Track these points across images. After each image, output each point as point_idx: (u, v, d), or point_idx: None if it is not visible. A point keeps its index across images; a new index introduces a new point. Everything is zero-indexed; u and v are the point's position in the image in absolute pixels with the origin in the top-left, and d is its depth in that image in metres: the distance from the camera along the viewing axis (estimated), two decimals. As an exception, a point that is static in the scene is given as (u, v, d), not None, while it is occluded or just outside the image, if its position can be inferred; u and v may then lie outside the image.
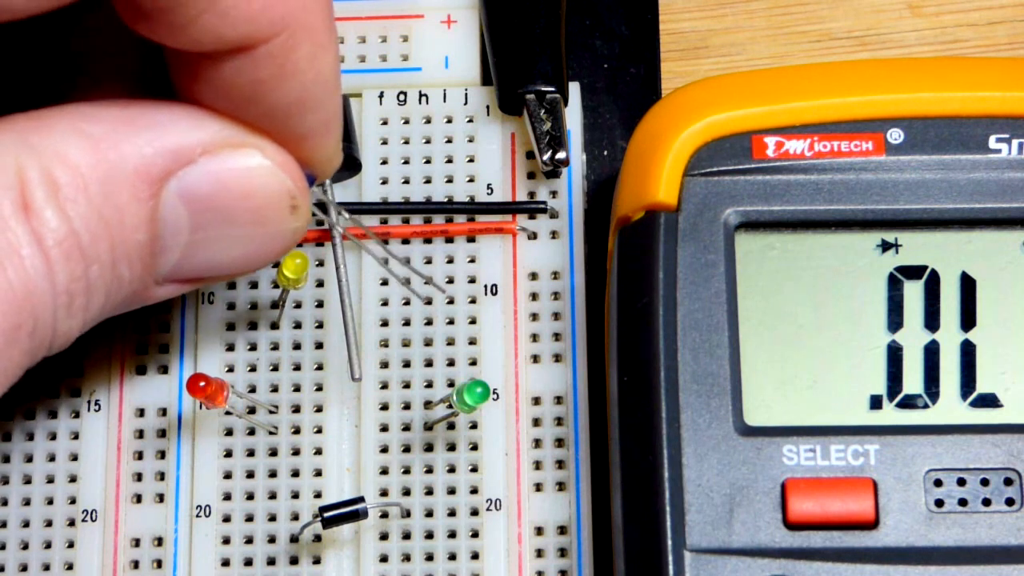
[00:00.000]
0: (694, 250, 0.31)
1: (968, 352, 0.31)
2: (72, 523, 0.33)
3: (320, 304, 0.34)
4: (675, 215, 0.31)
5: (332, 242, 0.33)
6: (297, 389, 0.34)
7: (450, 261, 0.34)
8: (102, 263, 0.25)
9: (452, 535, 0.33)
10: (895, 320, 0.31)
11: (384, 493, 0.33)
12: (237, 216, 0.27)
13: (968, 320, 0.31)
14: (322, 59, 0.27)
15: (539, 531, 0.33)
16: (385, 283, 0.34)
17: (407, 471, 0.33)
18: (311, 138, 0.28)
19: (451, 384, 0.33)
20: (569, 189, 0.35)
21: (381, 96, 0.35)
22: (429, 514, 0.33)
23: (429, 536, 0.33)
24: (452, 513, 0.33)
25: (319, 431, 0.33)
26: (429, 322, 0.34)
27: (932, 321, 0.31)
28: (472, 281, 0.34)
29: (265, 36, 0.26)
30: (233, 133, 0.27)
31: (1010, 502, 0.30)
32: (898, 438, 0.30)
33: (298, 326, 0.34)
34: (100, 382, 0.34)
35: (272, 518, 0.33)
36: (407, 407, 0.33)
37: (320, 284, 0.34)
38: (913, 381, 0.31)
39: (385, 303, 0.34)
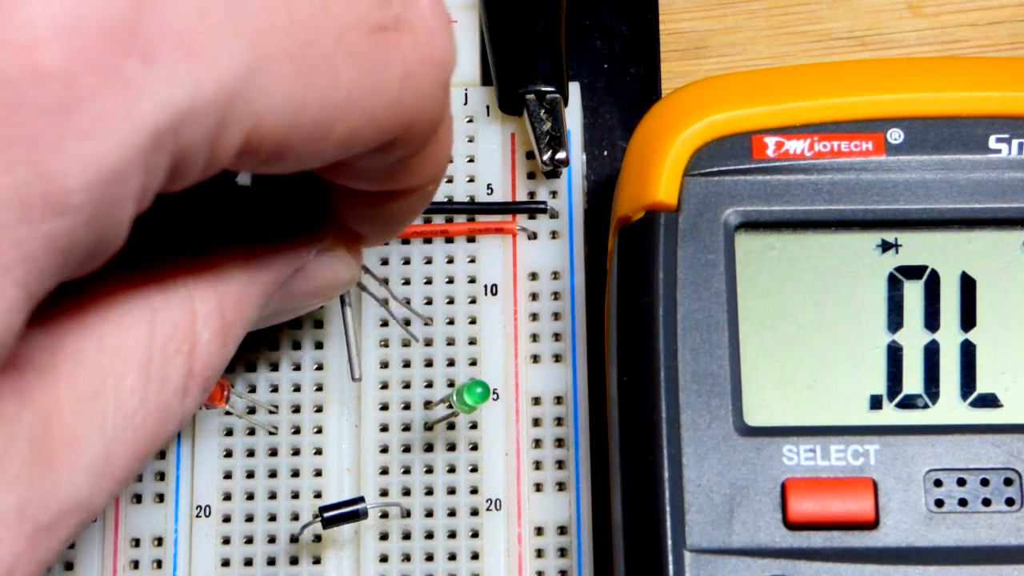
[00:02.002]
0: (694, 250, 0.31)
1: (968, 352, 0.31)
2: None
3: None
4: (675, 215, 0.31)
5: None
6: (297, 389, 0.34)
7: (450, 261, 0.34)
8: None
9: (452, 535, 0.33)
10: (895, 320, 0.31)
11: (384, 493, 0.33)
12: (300, 301, 0.29)
13: (968, 320, 0.31)
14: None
15: (539, 531, 0.33)
16: (385, 283, 0.34)
17: (407, 471, 0.33)
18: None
19: (451, 384, 0.33)
20: (569, 189, 0.35)
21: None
22: (429, 514, 0.33)
23: (429, 536, 0.33)
24: (452, 513, 0.33)
25: (319, 431, 0.33)
26: (429, 322, 0.34)
27: (932, 321, 0.31)
28: (472, 281, 0.34)
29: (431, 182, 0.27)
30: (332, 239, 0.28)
31: (1010, 502, 0.30)
32: (898, 438, 0.30)
33: (298, 326, 0.34)
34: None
35: (272, 518, 0.33)
36: (407, 407, 0.33)
37: (320, 284, 0.34)
38: (913, 381, 0.31)
39: (385, 303, 0.34)
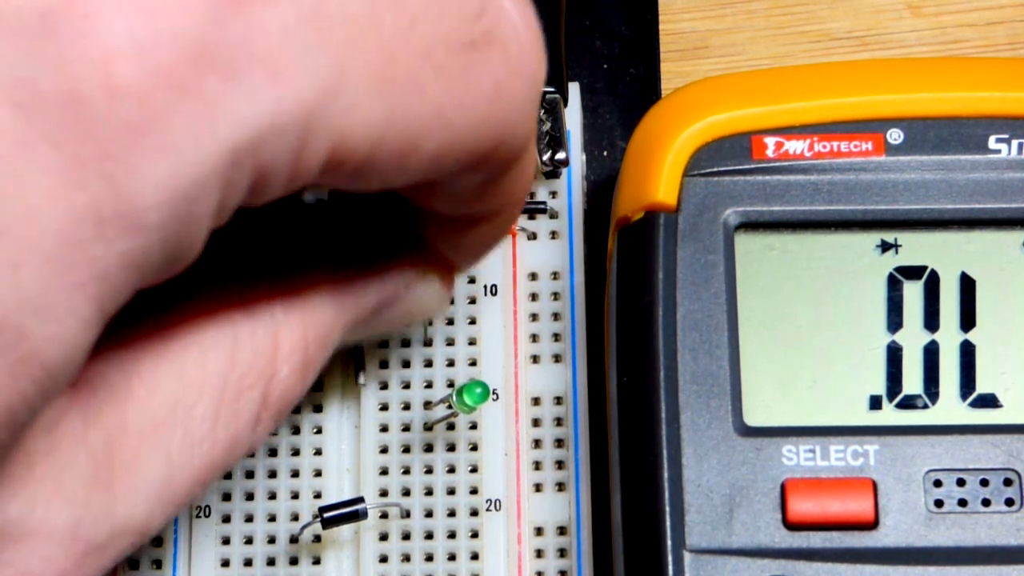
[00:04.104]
0: (694, 250, 0.31)
1: (968, 352, 0.31)
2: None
3: (320, 304, 0.34)
4: (675, 215, 0.31)
5: None
6: (297, 389, 0.34)
7: (450, 261, 0.34)
8: None
9: (452, 535, 0.33)
10: (895, 320, 0.31)
11: (384, 493, 0.33)
12: (383, 328, 0.29)
13: (968, 320, 0.31)
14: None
15: (539, 531, 0.33)
16: (385, 283, 0.34)
17: (407, 471, 0.33)
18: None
19: (451, 384, 0.33)
20: (569, 189, 0.35)
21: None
22: (429, 514, 0.33)
23: (429, 536, 0.33)
24: (452, 513, 0.33)
25: (319, 431, 0.33)
26: (429, 322, 0.34)
27: (932, 321, 0.31)
28: (472, 281, 0.34)
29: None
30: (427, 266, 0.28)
31: (1010, 502, 0.30)
32: (898, 438, 0.30)
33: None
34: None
35: (272, 518, 0.33)
36: (407, 407, 0.33)
37: (320, 284, 0.34)
38: (913, 381, 0.31)
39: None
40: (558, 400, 0.33)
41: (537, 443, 0.33)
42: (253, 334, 0.24)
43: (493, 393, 0.33)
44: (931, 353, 0.31)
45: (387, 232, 0.28)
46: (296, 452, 0.33)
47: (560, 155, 0.34)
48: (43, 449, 0.21)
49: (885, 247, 0.31)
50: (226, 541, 0.33)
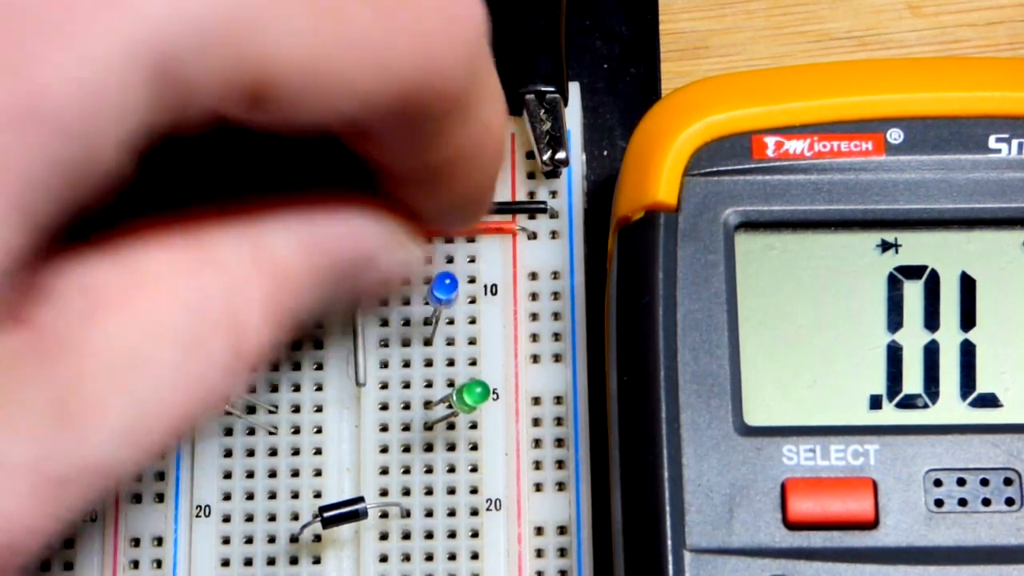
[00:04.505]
0: (694, 250, 0.31)
1: (968, 352, 0.31)
2: (72, 523, 0.33)
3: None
4: (675, 215, 0.31)
5: None
6: (297, 389, 0.34)
7: (450, 261, 0.34)
8: None
9: (452, 535, 0.33)
10: (895, 320, 0.31)
11: (384, 493, 0.33)
12: (358, 288, 0.28)
13: (968, 320, 0.31)
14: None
15: (539, 531, 0.33)
16: (385, 283, 0.34)
17: (407, 471, 0.33)
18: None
19: (451, 384, 0.33)
20: (569, 189, 0.35)
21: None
22: (429, 514, 0.33)
23: (429, 536, 0.33)
24: (452, 513, 0.33)
25: (319, 431, 0.33)
26: (429, 322, 0.34)
27: (932, 321, 0.31)
28: (472, 281, 0.34)
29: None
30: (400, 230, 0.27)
31: (1010, 502, 0.30)
32: (898, 438, 0.30)
33: (297, 326, 0.34)
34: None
35: (272, 518, 0.33)
36: (407, 407, 0.33)
37: (320, 284, 0.34)
38: (913, 381, 0.31)
39: (384, 303, 0.34)
40: (558, 400, 0.34)
41: (537, 443, 0.33)
42: (216, 281, 0.23)
43: (493, 393, 0.33)
44: (931, 353, 0.31)
45: (347, 184, 0.27)
46: (296, 452, 0.33)
47: (560, 155, 0.34)
48: None
49: (885, 247, 0.31)
50: (226, 541, 0.33)
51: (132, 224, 0.23)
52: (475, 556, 0.33)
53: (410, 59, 0.23)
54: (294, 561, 0.33)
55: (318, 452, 0.33)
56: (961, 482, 0.30)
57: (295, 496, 0.33)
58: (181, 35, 0.20)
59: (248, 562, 0.33)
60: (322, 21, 0.21)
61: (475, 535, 0.33)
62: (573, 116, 0.35)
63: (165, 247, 0.23)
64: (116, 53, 0.19)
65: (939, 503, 0.30)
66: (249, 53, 0.21)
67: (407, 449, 0.33)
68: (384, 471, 0.33)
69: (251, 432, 0.33)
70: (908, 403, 0.31)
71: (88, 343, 0.22)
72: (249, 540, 0.33)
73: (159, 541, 0.33)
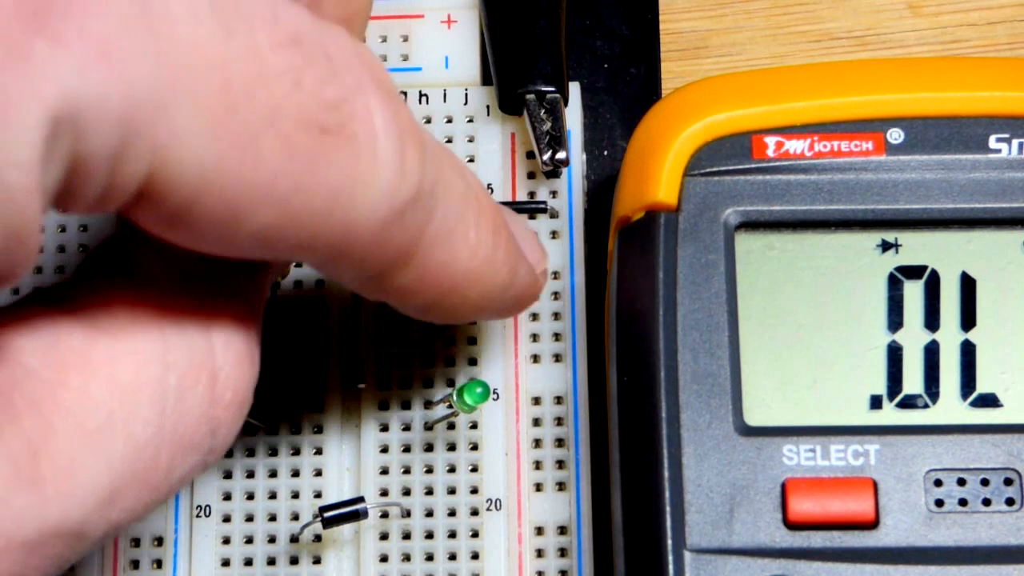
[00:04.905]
0: (694, 250, 0.31)
1: (968, 352, 0.31)
2: None
3: (320, 304, 0.34)
4: (675, 215, 0.31)
5: None
6: (297, 389, 0.34)
7: (450, 261, 0.34)
8: None
9: (452, 535, 0.33)
10: (895, 320, 0.31)
11: (384, 493, 0.33)
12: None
13: (968, 320, 0.31)
14: None
15: (539, 531, 0.33)
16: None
17: (407, 471, 0.33)
18: None
19: (451, 384, 0.33)
20: (569, 189, 0.35)
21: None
22: (429, 514, 0.33)
23: (429, 536, 0.33)
24: (452, 513, 0.33)
25: (319, 430, 0.33)
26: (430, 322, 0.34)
27: (932, 321, 0.31)
28: (472, 281, 0.34)
29: None
30: None
31: (1010, 502, 0.30)
32: (898, 438, 0.30)
33: (298, 326, 0.34)
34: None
35: (272, 518, 0.33)
36: (407, 407, 0.33)
37: (320, 284, 0.34)
38: (913, 381, 0.31)
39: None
40: (558, 400, 0.34)
41: (537, 443, 0.33)
42: (182, 332, 0.23)
43: (493, 393, 0.33)
44: (931, 353, 0.31)
45: None
46: (296, 451, 0.33)
47: (560, 155, 0.34)
48: None
49: (885, 247, 0.31)
50: (226, 540, 0.33)
51: (103, 284, 0.23)
52: (475, 556, 0.33)
53: (320, 218, 0.23)
54: (294, 561, 0.33)
55: (318, 451, 0.33)
56: (961, 482, 0.30)
57: (295, 496, 0.33)
58: (91, 106, 0.20)
59: (248, 562, 0.33)
60: (230, 149, 0.21)
61: (475, 535, 0.33)
62: (573, 116, 0.35)
63: (143, 324, 0.23)
64: (33, 118, 0.19)
65: (939, 503, 0.30)
66: (151, 151, 0.21)
67: (407, 449, 0.33)
68: (384, 471, 0.33)
69: (251, 432, 0.33)
70: (908, 403, 0.31)
71: (59, 403, 0.22)
72: (249, 540, 0.33)
73: (159, 541, 0.33)
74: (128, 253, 0.24)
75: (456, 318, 0.28)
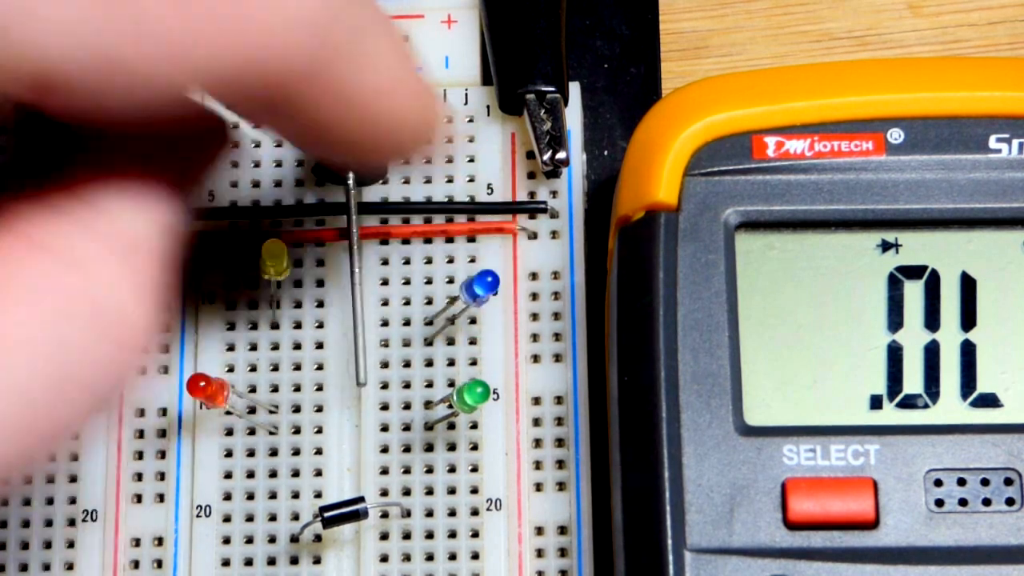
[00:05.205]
0: (694, 250, 0.31)
1: (968, 352, 0.31)
2: (72, 523, 0.33)
3: (320, 304, 0.34)
4: (675, 215, 0.31)
5: (350, 248, 0.33)
6: (297, 389, 0.34)
7: (450, 261, 0.34)
8: None
9: (452, 535, 0.33)
10: (895, 320, 0.31)
11: (384, 493, 0.33)
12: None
13: (968, 320, 0.31)
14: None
15: (539, 531, 0.33)
16: (385, 283, 0.34)
17: (407, 471, 0.33)
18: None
19: (451, 384, 0.33)
20: (569, 189, 0.35)
21: (381, 96, 0.35)
22: (429, 514, 0.33)
23: (429, 536, 0.33)
24: (452, 513, 0.33)
25: (319, 431, 0.33)
26: (430, 322, 0.34)
27: (932, 321, 0.31)
28: (472, 281, 0.34)
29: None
30: None
31: (1010, 502, 0.30)
32: (898, 438, 0.30)
33: (298, 326, 0.34)
34: (100, 382, 0.34)
35: (272, 518, 0.33)
36: (407, 407, 0.33)
37: (320, 284, 0.34)
38: (913, 381, 0.31)
39: (385, 303, 0.34)
40: (558, 400, 0.34)
41: (537, 442, 0.33)
42: (76, 283, 0.23)
43: (494, 393, 0.33)
44: (932, 353, 0.31)
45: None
46: (297, 451, 0.33)
47: (561, 155, 0.34)
48: None
49: (886, 247, 0.31)
50: (227, 540, 0.33)
51: None
52: (475, 556, 0.33)
53: (220, 50, 0.22)
54: (294, 561, 0.33)
55: (318, 452, 0.33)
56: (961, 482, 0.30)
57: (295, 496, 0.33)
58: None
59: (248, 562, 0.33)
60: (107, 16, 0.21)
61: (475, 535, 0.33)
62: (573, 116, 0.35)
63: (20, 252, 0.22)
64: None
65: (939, 503, 0.30)
66: (21, 47, 0.20)
67: (407, 449, 0.33)
68: (384, 471, 0.33)
69: (251, 432, 0.33)
70: (908, 403, 0.31)
71: None
72: (249, 540, 0.33)
73: (159, 541, 0.33)
74: None
75: (356, 147, 0.27)
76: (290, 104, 0.24)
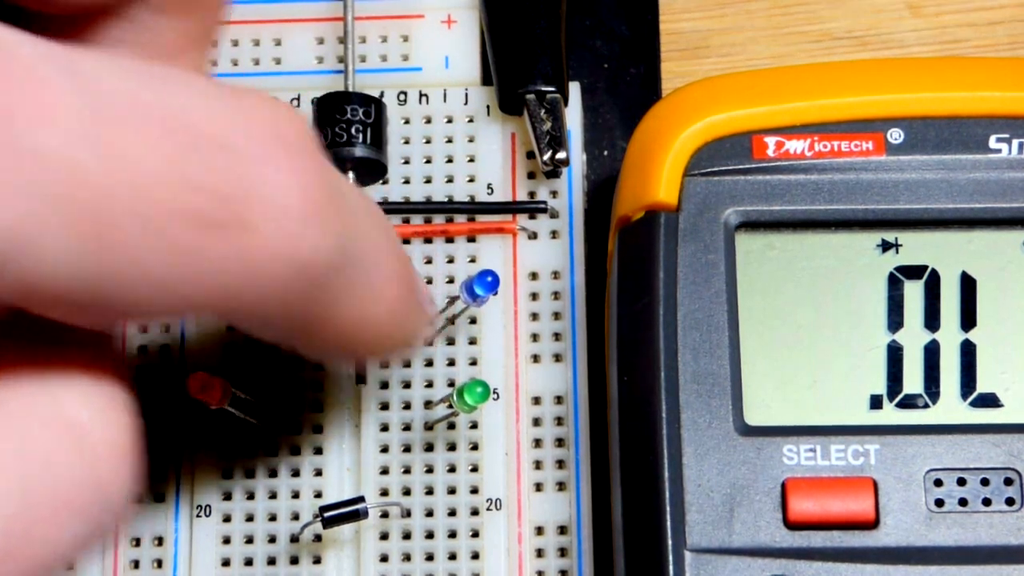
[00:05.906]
0: (694, 250, 0.31)
1: (968, 352, 0.31)
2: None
3: (320, 304, 0.34)
4: (675, 215, 0.31)
5: None
6: (297, 389, 0.34)
7: (450, 261, 0.34)
8: None
9: (452, 535, 0.33)
10: (895, 320, 0.31)
11: (384, 493, 0.33)
12: None
13: (968, 320, 0.31)
14: None
15: (539, 531, 0.33)
16: (385, 283, 0.34)
17: (407, 471, 0.33)
18: None
19: (451, 384, 0.33)
20: (569, 189, 0.35)
21: (381, 96, 0.35)
22: (429, 514, 0.33)
23: (429, 536, 0.33)
24: (452, 513, 0.33)
25: (319, 430, 0.33)
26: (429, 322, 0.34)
27: (932, 321, 0.31)
28: (472, 281, 0.34)
29: None
30: None
31: (1010, 502, 0.30)
32: (898, 438, 0.30)
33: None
34: (100, 382, 0.34)
35: (272, 518, 0.33)
36: (407, 407, 0.33)
37: (320, 284, 0.34)
38: (913, 381, 0.31)
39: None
40: (559, 399, 0.34)
41: (537, 442, 0.33)
42: (30, 394, 0.22)
43: (494, 392, 0.33)
44: (932, 352, 0.31)
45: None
46: (296, 451, 0.33)
47: (560, 155, 0.34)
48: None
49: (886, 247, 0.31)
50: (226, 540, 0.33)
51: None
52: (475, 556, 0.33)
53: (214, 296, 0.22)
54: (294, 561, 0.33)
55: (318, 452, 0.33)
56: (961, 482, 0.30)
57: (295, 496, 0.33)
58: None
59: (248, 562, 0.33)
60: (104, 256, 0.20)
61: (475, 535, 0.33)
62: (573, 116, 0.35)
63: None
64: None
65: (939, 503, 0.30)
66: (12, 267, 0.20)
67: (407, 449, 0.33)
68: (384, 471, 0.33)
69: (251, 432, 0.33)
70: (908, 403, 0.31)
71: None
72: (249, 540, 0.33)
73: (159, 541, 0.33)
74: None
75: (331, 355, 0.28)
76: (268, 327, 0.24)
